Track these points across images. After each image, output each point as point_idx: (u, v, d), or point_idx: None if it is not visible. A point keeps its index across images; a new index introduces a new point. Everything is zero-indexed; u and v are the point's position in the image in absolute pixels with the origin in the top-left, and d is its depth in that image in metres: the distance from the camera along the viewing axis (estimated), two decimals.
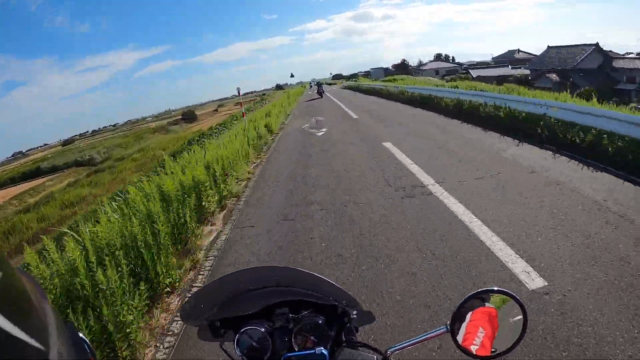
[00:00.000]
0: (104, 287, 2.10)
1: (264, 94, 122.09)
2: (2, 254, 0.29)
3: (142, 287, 2.36)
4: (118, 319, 2.07)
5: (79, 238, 2.65)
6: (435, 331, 0.73)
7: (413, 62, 70.66)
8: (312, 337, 0.73)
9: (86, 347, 0.42)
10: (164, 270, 2.76)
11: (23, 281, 0.29)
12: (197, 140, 12.37)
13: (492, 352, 0.68)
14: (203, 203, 4.18)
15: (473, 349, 0.68)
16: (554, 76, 26.82)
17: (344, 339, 0.76)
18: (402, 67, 66.13)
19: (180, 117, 67.43)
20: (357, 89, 29.72)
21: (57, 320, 0.31)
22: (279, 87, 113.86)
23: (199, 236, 3.74)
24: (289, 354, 0.69)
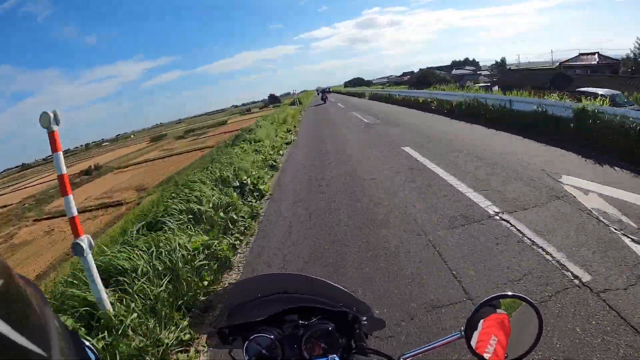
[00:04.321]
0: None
1: (248, 109, 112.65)
2: (4, 260, 0.31)
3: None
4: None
5: None
6: (450, 337, 0.79)
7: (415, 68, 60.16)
8: (322, 344, 0.78)
9: (91, 354, 0.45)
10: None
11: (24, 287, 0.32)
12: None
13: (505, 357, 0.73)
14: None
15: (486, 356, 0.73)
16: None
17: (354, 346, 0.81)
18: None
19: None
20: None
21: (58, 326, 0.33)
22: (273, 99, 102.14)
23: None
24: None
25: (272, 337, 0.78)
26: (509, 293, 0.79)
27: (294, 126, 14.65)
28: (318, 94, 44.49)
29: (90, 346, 0.47)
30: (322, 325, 0.79)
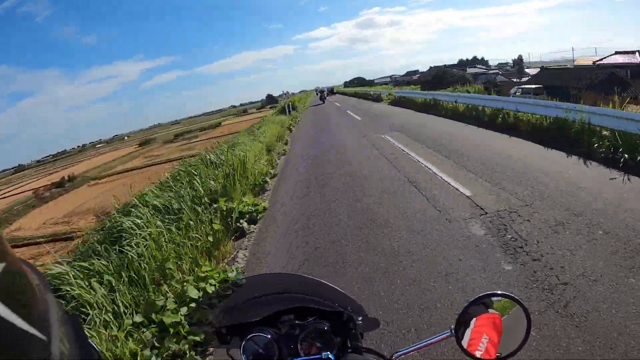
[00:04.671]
0: None
1: (245, 110, 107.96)
2: (6, 245, 0.30)
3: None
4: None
5: None
6: (440, 335, 0.80)
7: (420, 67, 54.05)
8: (318, 344, 0.79)
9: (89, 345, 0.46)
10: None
11: (27, 272, 0.31)
12: None
13: (497, 356, 0.75)
14: None
15: (478, 354, 0.75)
16: None
17: (349, 345, 0.83)
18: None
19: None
20: None
21: (60, 312, 0.34)
22: (270, 99, 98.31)
23: None
24: (296, 359, 0.77)
25: (268, 336, 0.79)
26: (498, 292, 0.79)
27: (262, 184, 6.74)
28: (317, 93, 43.12)
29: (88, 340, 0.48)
30: (317, 325, 0.80)
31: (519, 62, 46.88)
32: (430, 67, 57.96)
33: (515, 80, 40.68)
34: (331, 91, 48.29)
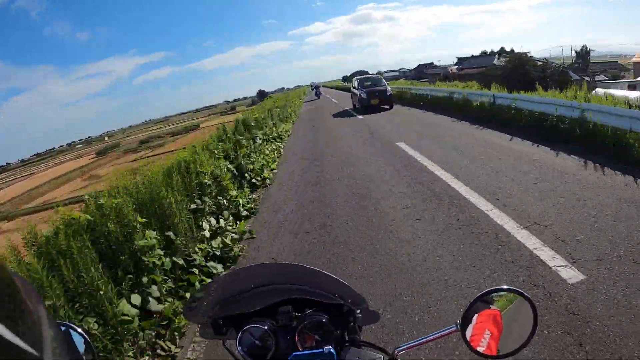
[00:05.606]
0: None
1: (233, 108, 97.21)
2: None
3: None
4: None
5: None
6: (445, 330, 0.78)
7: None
8: (316, 336, 0.77)
9: (84, 343, 0.44)
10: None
11: (17, 283, 0.31)
12: None
13: (497, 352, 0.74)
14: None
15: (480, 349, 0.74)
16: None
17: (347, 338, 0.79)
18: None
19: None
20: None
21: (51, 324, 0.33)
22: (262, 95, 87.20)
23: None
24: (296, 353, 0.73)
25: (265, 328, 0.77)
26: (504, 287, 0.77)
27: None
28: (312, 89, 40.92)
29: (85, 336, 0.48)
30: (316, 317, 0.77)
31: (583, 56, 34.40)
32: (458, 59, 46.74)
33: (587, 79, 29.41)
34: (384, 93, 14.32)
